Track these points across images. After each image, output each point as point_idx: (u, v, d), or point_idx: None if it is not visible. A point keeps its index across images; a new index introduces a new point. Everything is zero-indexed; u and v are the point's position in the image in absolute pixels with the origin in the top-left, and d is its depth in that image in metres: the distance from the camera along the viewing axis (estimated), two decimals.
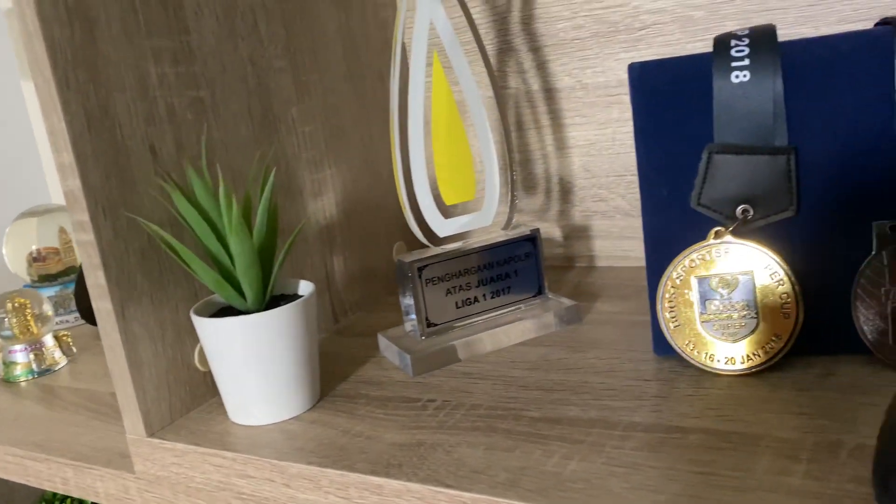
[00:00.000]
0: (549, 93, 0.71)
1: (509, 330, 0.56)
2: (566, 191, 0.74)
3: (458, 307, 0.56)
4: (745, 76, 0.43)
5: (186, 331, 0.52)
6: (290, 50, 0.62)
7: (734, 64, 0.43)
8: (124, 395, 0.49)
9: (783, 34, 0.57)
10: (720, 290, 0.45)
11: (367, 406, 0.50)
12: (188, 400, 0.52)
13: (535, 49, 0.71)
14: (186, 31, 0.52)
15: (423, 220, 0.55)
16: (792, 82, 0.43)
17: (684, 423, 0.41)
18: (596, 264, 0.74)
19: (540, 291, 0.59)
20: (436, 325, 0.55)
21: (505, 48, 0.72)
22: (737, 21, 0.61)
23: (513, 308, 0.58)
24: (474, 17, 0.73)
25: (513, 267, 0.58)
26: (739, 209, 0.44)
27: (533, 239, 0.58)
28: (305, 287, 0.51)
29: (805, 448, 0.37)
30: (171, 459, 0.49)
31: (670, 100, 0.45)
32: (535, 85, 0.72)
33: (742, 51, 0.43)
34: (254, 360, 0.47)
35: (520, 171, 0.75)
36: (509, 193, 0.59)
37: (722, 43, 0.44)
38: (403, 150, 0.53)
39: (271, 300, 0.51)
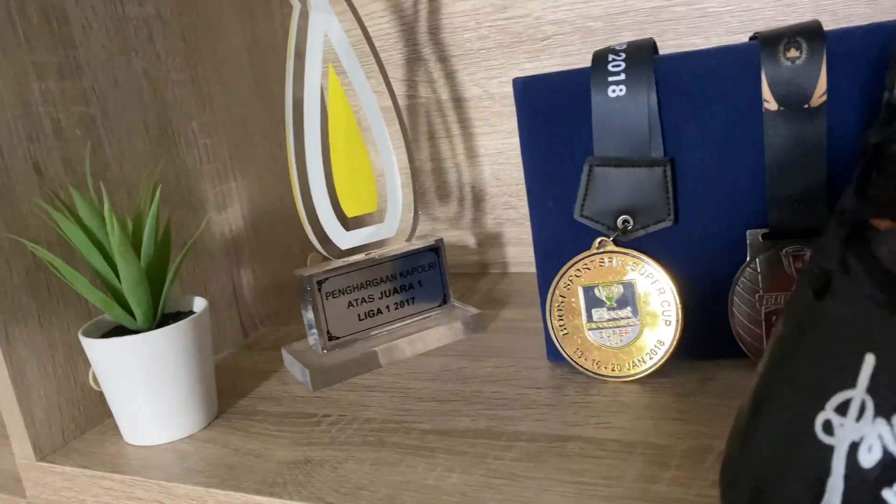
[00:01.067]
0: (458, 102, 0.72)
1: (413, 341, 0.56)
2: (478, 199, 0.74)
3: (360, 319, 0.56)
4: (621, 91, 0.44)
5: (80, 351, 0.51)
6: (189, 63, 0.61)
7: (611, 79, 0.44)
8: (11, 419, 0.48)
9: (675, 45, 0.59)
10: (605, 298, 0.46)
11: (262, 423, 0.49)
12: (82, 421, 0.51)
13: (443, 59, 0.71)
14: (73, 45, 0.51)
15: (323, 232, 0.55)
16: (666, 96, 0.44)
17: (566, 432, 0.42)
18: (509, 271, 0.75)
19: (445, 301, 0.60)
20: (338, 338, 0.55)
21: (414, 58, 0.72)
22: (633, 32, 0.63)
23: (418, 319, 0.58)
24: (382, 26, 0.73)
25: (417, 277, 0.58)
26: (620, 220, 0.45)
27: (436, 249, 0.58)
28: (199, 304, 0.51)
29: (675, 454, 0.38)
30: (62, 483, 0.48)
31: (553, 114, 0.46)
32: (445, 94, 0.72)
33: (619, 66, 0.44)
34: (144, 380, 0.46)
35: (433, 179, 0.76)
36: (412, 205, 0.59)
37: (600, 58, 0.45)
38: (300, 163, 0.53)
39: (164, 318, 0.50)
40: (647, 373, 0.46)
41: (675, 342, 0.45)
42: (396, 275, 0.57)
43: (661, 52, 0.57)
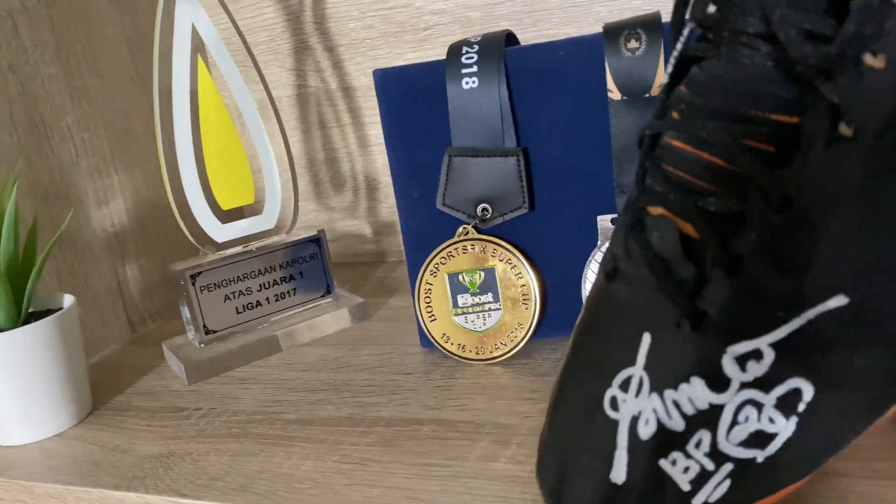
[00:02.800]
0: (347, 91, 0.72)
1: (295, 332, 0.57)
2: (372, 188, 0.75)
3: (239, 312, 0.56)
4: (474, 82, 0.45)
5: None
6: (61, 55, 0.60)
7: (464, 71, 0.45)
8: None
9: (550, 35, 0.60)
10: (468, 284, 0.47)
11: (134, 418, 0.49)
12: None
13: (330, 48, 0.71)
14: None
15: (197, 225, 0.55)
16: (518, 87, 0.45)
17: (423, 416, 0.43)
18: (405, 259, 0.76)
19: (328, 291, 0.60)
20: (215, 331, 0.55)
21: (301, 47, 0.72)
22: (510, 22, 0.64)
23: (300, 310, 0.59)
24: (269, 16, 0.72)
25: (298, 269, 0.58)
26: (479, 208, 0.47)
27: (317, 240, 0.59)
28: (68, 301, 0.50)
29: (520, 433, 0.39)
30: None
31: (413, 105, 0.47)
32: (334, 84, 0.72)
33: (472, 58, 0.45)
34: (7, 379, 0.46)
35: (327, 169, 0.76)
36: (293, 196, 0.59)
37: (454, 50, 0.46)
38: (169, 155, 0.53)
39: (32, 316, 0.49)
40: (508, 355, 0.47)
41: (533, 324, 0.47)
42: (275, 266, 0.57)
43: (540, 41, 0.58)
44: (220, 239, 0.56)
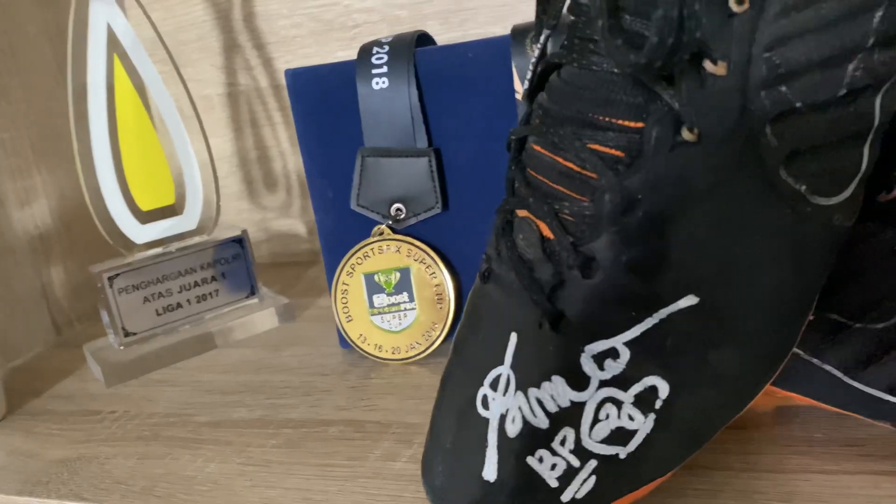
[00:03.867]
0: (278, 89, 0.72)
1: (217, 334, 0.56)
2: (305, 187, 0.75)
3: (159, 314, 0.56)
4: (384, 83, 0.45)
5: None
6: None
7: (374, 71, 0.45)
8: None
9: (476, 34, 0.61)
10: (384, 284, 0.48)
11: (47, 422, 0.49)
12: None
13: (260, 46, 0.71)
14: None
15: (115, 226, 0.54)
16: (429, 88, 0.45)
17: (333, 416, 0.43)
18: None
19: (252, 292, 0.60)
20: (134, 334, 0.55)
21: (231, 45, 0.72)
22: (437, 21, 0.64)
23: (223, 311, 0.59)
24: (198, 14, 0.72)
25: (220, 269, 0.58)
26: (393, 208, 0.47)
27: (240, 241, 0.59)
28: None
29: (422, 432, 0.39)
30: None
31: (326, 105, 0.47)
32: (264, 82, 0.72)
33: (382, 58, 0.45)
34: None
35: (259, 168, 0.76)
36: (214, 197, 0.59)
37: (365, 51, 0.46)
38: (84, 155, 0.52)
39: None
40: (424, 354, 0.48)
41: (448, 323, 0.47)
42: (196, 268, 0.57)
43: (465, 40, 0.59)
44: (139, 240, 0.55)
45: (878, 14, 0.24)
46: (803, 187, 0.25)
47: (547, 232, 0.25)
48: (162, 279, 0.55)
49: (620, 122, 0.24)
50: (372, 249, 0.47)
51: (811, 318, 0.30)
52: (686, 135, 0.23)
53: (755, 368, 0.26)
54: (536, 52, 0.27)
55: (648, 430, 0.25)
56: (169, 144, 0.57)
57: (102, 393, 0.52)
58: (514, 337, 0.27)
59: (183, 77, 0.56)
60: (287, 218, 0.77)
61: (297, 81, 0.47)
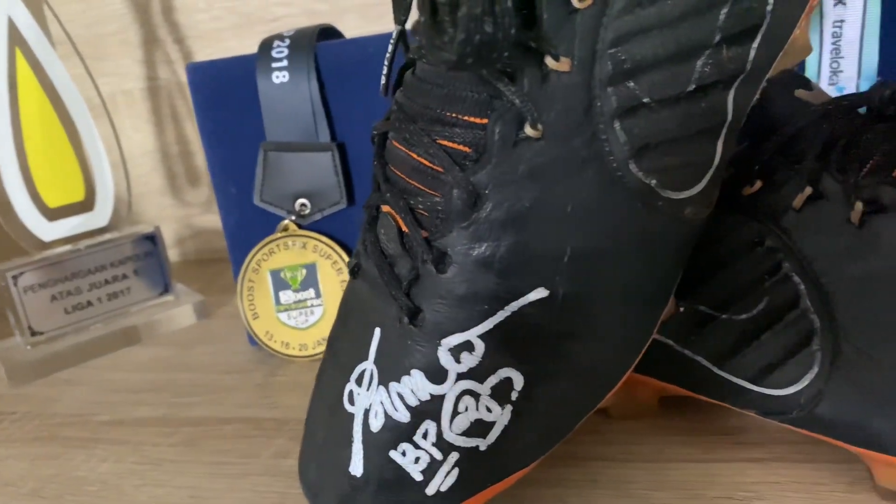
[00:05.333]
0: None
1: (128, 332, 0.56)
2: None
3: (67, 313, 0.55)
4: (284, 77, 0.45)
5: None
6: None
7: (274, 65, 0.45)
8: None
9: (387, 29, 0.60)
10: (290, 280, 0.47)
11: None
12: None
13: (180, 40, 0.70)
14: None
15: (20, 223, 0.53)
16: (330, 82, 0.45)
17: (233, 414, 0.42)
18: None
19: (166, 289, 0.59)
20: (42, 333, 0.53)
21: (150, 39, 0.71)
22: (356, 15, 0.64)
23: (136, 308, 0.58)
24: (116, 7, 0.71)
25: (132, 266, 0.57)
26: (298, 203, 0.47)
27: (152, 237, 0.58)
28: None
29: None
30: None
31: (228, 100, 0.46)
32: (185, 76, 0.71)
33: (282, 52, 0.45)
34: None
35: (182, 163, 0.75)
36: (126, 192, 0.58)
37: (266, 45, 0.45)
38: None
39: None
40: None
41: None
42: (107, 265, 0.56)
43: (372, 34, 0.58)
44: (46, 237, 0.54)
45: (724, 11, 0.25)
46: (653, 181, 0.25)
47: (405, 227, 0.26)
48: (70, 277, 0.54)
49: (466, 118, 0.24)
50: (277, 245, 0.47)
51: (681, 309, 0.31)
52: (529, 131, 0.23)
53: (611, 359, 0.27)
54: (390, 49, 0.27)
55: (506, 422, 0.26)
56: (81, 140, 0.56)
57: (7, 393, 0.51)
58: (377, 332, 0.27)
59: (90, 70, 0.55)
60: (211, 213, 0.76)
61: (198, 76, 0.47)
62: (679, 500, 0.30)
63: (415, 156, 0.25)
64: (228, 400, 0.44)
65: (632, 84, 0.24)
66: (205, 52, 0.69)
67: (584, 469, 0.32)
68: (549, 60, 0.23)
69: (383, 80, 0.27)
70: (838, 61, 0.42)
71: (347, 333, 0.28)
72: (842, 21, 0.42)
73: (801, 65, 0.43)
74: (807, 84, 0.30)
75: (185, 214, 0.76)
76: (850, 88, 0.42)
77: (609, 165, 0.25)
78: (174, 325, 0.58)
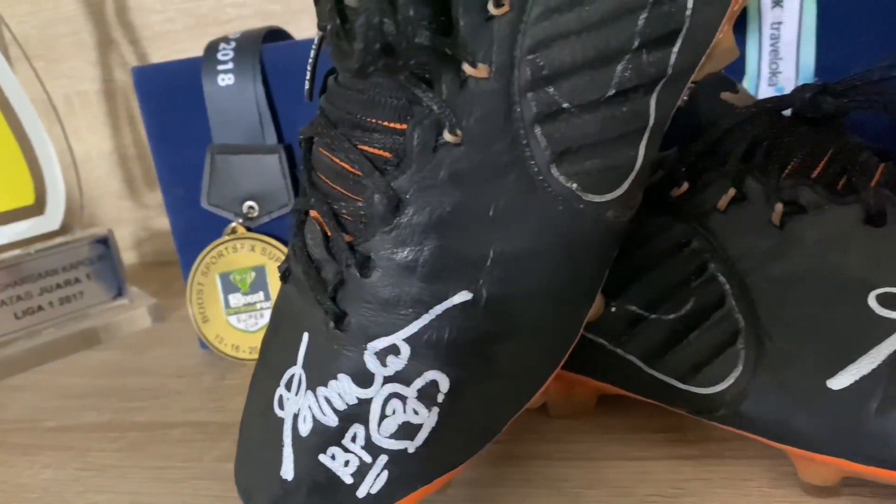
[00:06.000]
0: None
1: (81, 336, 0.55)
2: None
3: (18, 318, 0.54)
4: (230, 79, 0.45)
5: None
6: None
7: (220, 67, 0.45)
8: None
9: None
10: (239, 283, 0.47)
11: None
12: None
13: (135, 41, 0.69)
14: None
15: None
16: (277, 84, 0.45)
17: (180, 419, 0.42)
18: None
19: (120, 293, 0.59)
20: None
21: (105, 41, 0.70)
22: (310, 15, 0.64)
23: (89, 313, 0.57)
24: (69, 9, 0.70)
25: (84, 270, 0.57)
26: (245, 206, 0.46)
27: (105, 240, 0.57)
28: None
29: None
30: None
31: (175, 102, 0.46)
32: None
33: (227, 54, 0.45)
34: None
35: (140, 166, 0.74)
36: (78, 195, 0.58)
37: (211, 47, 0.45)
38: None
39: None
40: None
41: None
42: (58, 269, 0.55)
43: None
44: None
45: (643, 16, 0.25)
46: (575, 185, 0.25)
47: (329, 231, 0.26)
48: (21, 281, 0.54)
49: (385, 123, 0.24)
50: (226, 248, 0.47)
51: (613, 309, 0.31)
52: (448, 136, 0.24)
53: (537, 360, 0.27)
54: (312, 55, 0.27)
55: (433, 424, 0.26)
56: (31, 143, 0.55)
57: None
58: (305, 336, 0.27)
59: (43, 72, 0.55)
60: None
61: (144, 79, 0.46)
62: (610, 497, 0.30)
63: (337, 160, 0.25)
64: (176, 404, 0.44)
65: (551, 90, 0.25)
66: (159, 54, 0.69)
67: (520, 468, 0.33)
68: (466, 67, 0.23)
69: (307, 86, 0.28)
70: (777, 63, 0.43)
71: (278, 338, 0.28)
72: (779, 23, 0.42)
73: (742, 67, 0.44)
74: (733, 87, 0.30)
75: (143, 217, 0.76)
76: (790, 89, 0.43)
77: (530, 170, 0.25)
78: (128, 329, 0.57)
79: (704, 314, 0.29)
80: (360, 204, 0.25)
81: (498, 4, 0.23)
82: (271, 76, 0.45)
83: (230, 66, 0.45)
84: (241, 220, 0.47)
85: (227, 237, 0.47)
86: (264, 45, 0.45)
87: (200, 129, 0.46)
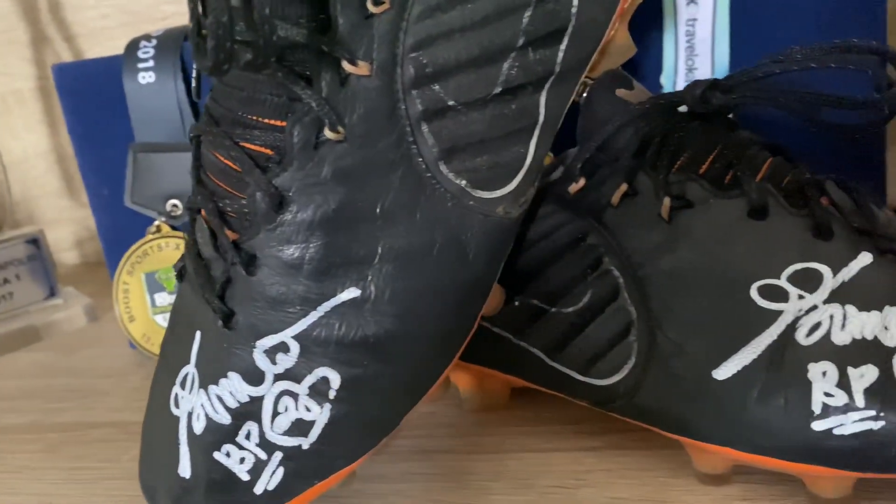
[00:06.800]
0: None
1: (10, 337, 0.54)
2: None
3: None
4: (151, 77, 0.44)
5: None
6: None
7: (140, 65, 0.44)
8: None
9: None
10: (164, 283, 0.47)
11: None
12: None
13: (69, 38, 0.69)
14: None
15: None
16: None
17: (102, 419, 0.42)
18: None
19: (52, 293, 0.58)
20: None
21: (39, 38, 0.69)
22: None
23: (19, 313, 0.57)
24: (2, 5, 0.69)
25: (14, 271, 0.56)
26: (169, 204, 0.46)
27: (35, 240, 0.57)
28: None
29: None
30: None
31: (96, 101, 0.46)
32: None
33: (148, 52, 0.44)
34: None
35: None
36: (7, 194, 0.57)
37: (132, 46, 0.45)
38: None
39: None
40: None
41: None
42: None
43: None
44: None
45: (527, 15, 0.26)
46: (463, 182, 0.26)
47: (215, 229, 0.26)
48: None
49: (266, 120, 0.24)
50: (151, 247, 0.47)
51: (516, 303, 0.32)
52: (329, 133, 0.24)
53: (428, 356, 0.27)
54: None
55: (326, 421, 0.26)
56: None
57: None
58: (198, 335, 0.27)
59: None
60: None
61: (65, 77, 0.46)
62: (513, 489, 0.30)
63: (222, 158, 0.25)
64: (100, 404, 0.44)
65: (437, 87, 0.25)
66: (94, 51, 0.68)
67: (430, 462, 0.33)
68: (346, 64, 0.24)
69: (193, 84, 0.28)
70: (693, 59, 0.44)
71: (174, 337, 0.28)
72: (694, 20, 0.43)
73: (660, 63, 0.44)
74: (628, 84, 0.31)
75: (84, 216, 0.75)
76: None
77: (418, 167, 0.25)
78: (63, 329, 0.57)
79: (600, 307, 0.29)
80: (243, 201, 0.25)
81: (377, 2, 0.24)
82: (192, 73, 0.44)
83: (151, 63, 0.44)
84: (165, 219, 0.46)
85: (151, 236, 0.47)
86: (185, 43, 0.45)
87: (123, 127, 0.46)
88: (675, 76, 0.44)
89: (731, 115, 0.31)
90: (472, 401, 0.36)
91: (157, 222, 0.47)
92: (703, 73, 0.44)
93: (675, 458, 0.31)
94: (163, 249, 0.47)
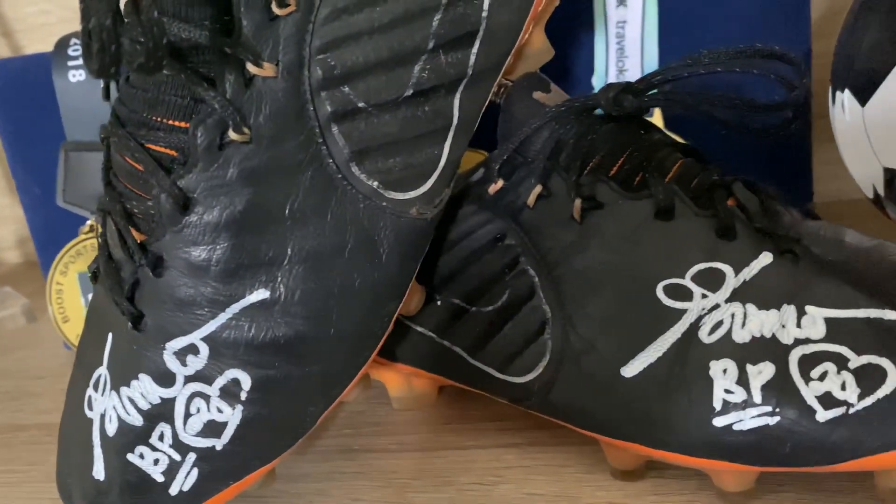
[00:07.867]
0: None
1: None
2: None
3: None
4: (81, 75, 0.44)
5: None
6: None
7: (70, 63, 0.44)
8: None
9: None
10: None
11: None
12: None
13: (8, 34, 0.67)
14: None
15: None
16: None
17: (31, 421, 0.42)
18: None
19: None
20: None
21: None
22: None
23: None
24: None
25: None
26: None
27: None
28: None
29: None
30: None
31: (26, 99, 0.45)
32: None
33: (79, 49, 0.44)
34: None
35: None
36: None
37: (62, 43, 0.44)
38: None
39: None
40: None
41: None
42: None
43: None
44: None
45: (436, 18, 0.26)
46: (376, 183, 0.26)
47: (122, 231, 0.26)
48: None
49: (170, 122, 0.24)
50: (85, 247, 0.46)
51: (438, 302, 0.32)
52: (234, 135, 0.24)
53: (342, 357, 0.27)
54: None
55: (238, 422, 0.26)
56: None
57: None
58: (110, 337, 0.27)
59: None
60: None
61: None
62: (434, 486, 0.31)
63: (128, 160, 0.25)
64: (30, 406, 0.44)
65: (346, 89, 0.25)
66: (34, 47, 0.67)
67: (355, 461, 0.33)
68: (250, 66, 0.24)
69: (102, 86, 0.27)
70: (623, 60, 0.44)
71: (89, 338, 0.28)
72: (624, 22, 0.44)
73: (591, 64, 0.45)
74: (546, 86, 0.31)
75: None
76: None
77: (329, 168, 0.25)
78: (1, 329, 0.56)
79: (517, 306, 0.30)
80: (150, 203, 0.25)
81: (282, 4, 0.24)
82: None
83: (81, 61, 0.44)
84: (97, 218, 0.46)
85: (84, 236, 0.46)
86: None
87: (54, 125, 0.45)
88: (606, 77, 0.45)
89: (647, 118, 0.32)
90: (400, 400, 0.36)
91: (89, 221, 0.46)
92: (634, 74, 0.45)
93: (591, 455, 0.31)
94: (96, 249, 0.46)
